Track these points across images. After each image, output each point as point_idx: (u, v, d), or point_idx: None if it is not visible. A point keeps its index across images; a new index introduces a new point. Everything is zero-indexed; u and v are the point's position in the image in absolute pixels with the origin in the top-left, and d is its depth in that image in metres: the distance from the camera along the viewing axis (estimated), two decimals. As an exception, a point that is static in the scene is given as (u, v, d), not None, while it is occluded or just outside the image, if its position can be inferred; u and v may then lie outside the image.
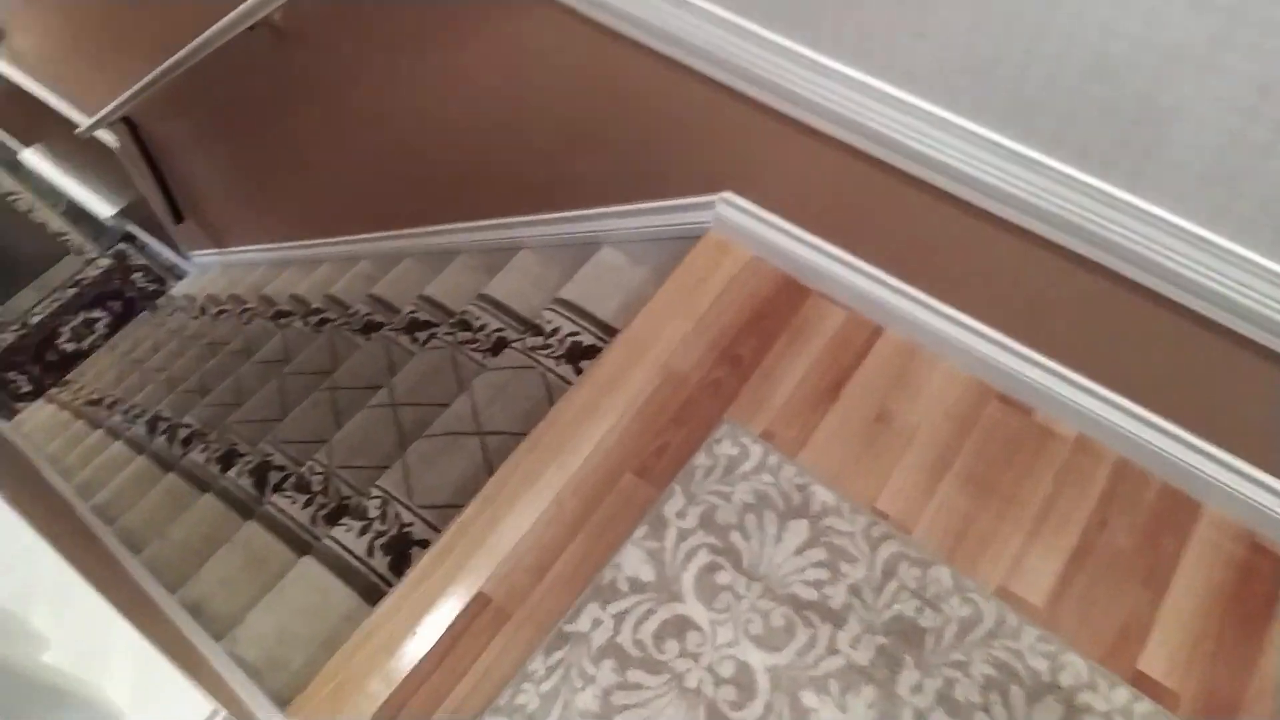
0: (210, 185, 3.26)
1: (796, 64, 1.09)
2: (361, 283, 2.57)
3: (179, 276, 4.23)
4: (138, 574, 1.56)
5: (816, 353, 1.40)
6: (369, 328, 2.28)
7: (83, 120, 3.46)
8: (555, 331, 1.66)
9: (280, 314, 2.74)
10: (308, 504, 1.65)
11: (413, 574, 1.21)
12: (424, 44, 1.71)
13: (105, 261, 4.29)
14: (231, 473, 1.90)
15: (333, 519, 1.62)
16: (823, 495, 1.26)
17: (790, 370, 1.39)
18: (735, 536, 1.24)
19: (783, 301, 1.45)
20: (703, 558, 1.22)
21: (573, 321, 1.66)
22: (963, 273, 1.25)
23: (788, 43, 1.08)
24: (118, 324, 4.05)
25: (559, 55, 1.45)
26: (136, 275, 4.24)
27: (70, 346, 4.00)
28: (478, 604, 1.20)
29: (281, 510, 1.65)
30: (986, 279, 1.23)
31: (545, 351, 1.63)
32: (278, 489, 1.81)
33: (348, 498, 1.65)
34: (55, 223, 4.44)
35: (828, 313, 1.44)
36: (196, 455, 2.10)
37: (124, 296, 4.16)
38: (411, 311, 2.11)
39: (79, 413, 3.20)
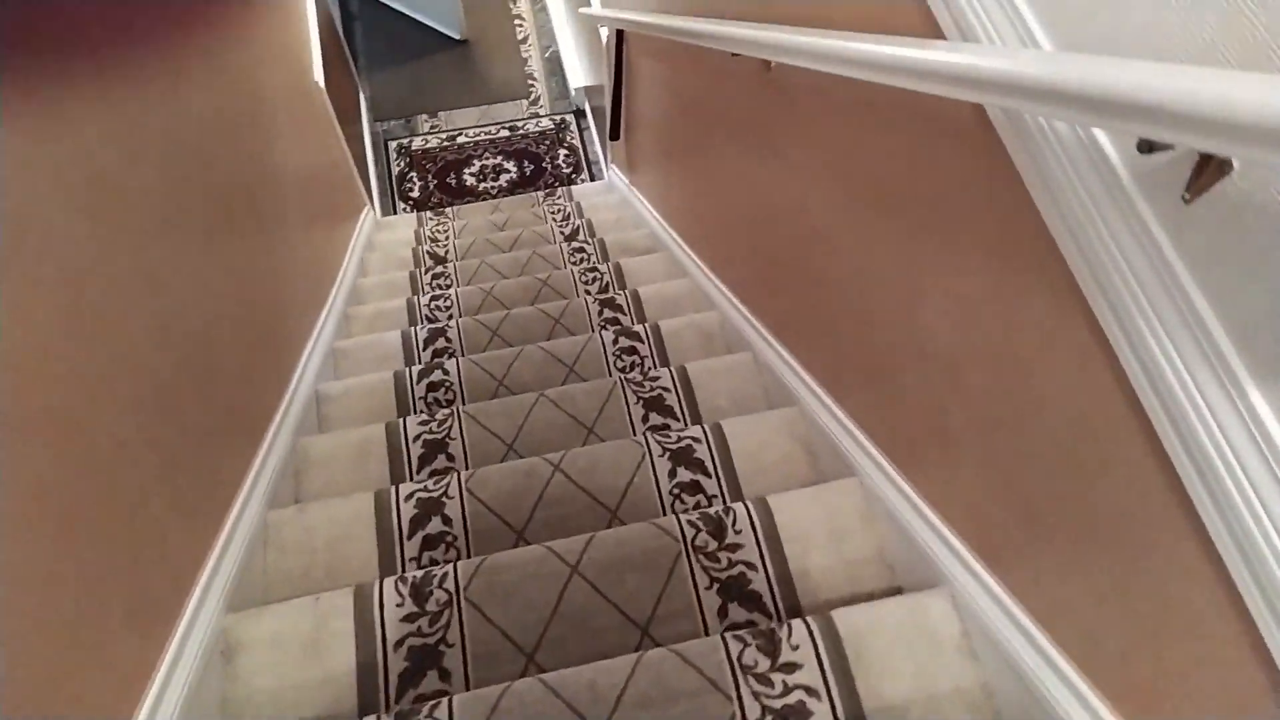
0: (646, 126, 2.99)
1: None
2: (694, 339, 2.16)
3: (593, 178, 4.12)
4: (219, 566, 1.31)
5: None
6: (651, 407, 1.87)
7: (596, 5, 3.34)
8: (793, 666, 1.11)
9: (609, 305, 2.42)
10: (409, 619, 1.30)
11: None
12: (886, 238, 1.17)
13: (547, 124, 4.28)
14: (408, 487, 1.60)
15: (405, 679, 1.25)
16: None
17: None
18: None
19: None
20: None
21: (823, 672, 1.11)
22: None
23: None
24: (518, 186, 4.03)
25: (1050, 381, 0.86)
26: (562, 152, 4.19)
27: (470, 181, 4.05)
28: None
29: (383, 604, 1.31)
30: None
31: (762, 685, 1.10)
32: (419, 554, 1.49)
33: (448, 647, 1.27)
34: (534, 64, 4.50)
35: None
36: (415, 424, 1.84)
37: (539, 165, 4.13)
38: (694, 439, 1.65)
39: (417, 259, 3.18)
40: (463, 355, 2.28)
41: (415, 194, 4.00)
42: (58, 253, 0.97)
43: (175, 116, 1.45)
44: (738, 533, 1.39)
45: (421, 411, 2.03)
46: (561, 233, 3.25)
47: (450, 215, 3.73)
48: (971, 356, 1.03)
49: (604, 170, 4.03)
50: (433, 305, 2.60)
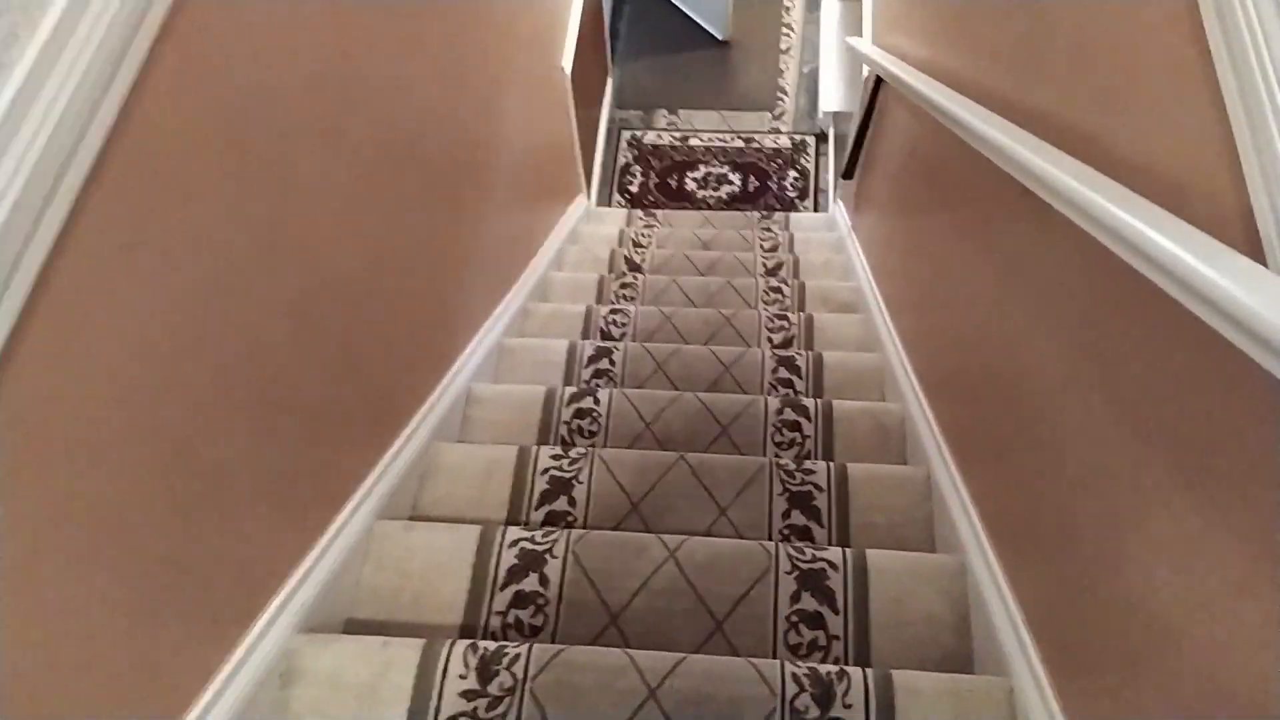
0: (882, 176, 2.74)
1: None
2: (868, 432, 1.94)
3: (817, 207, 3.90)
4: (304, 582, 1.26)
5: None
6: (797, 504, 1.68)
7: (866, 39, 3.11)
8: None
9: (787, 365, 2.23)
10: (467, 696, 1.20)
11: None
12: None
13: (785, 142, 4.09)
14: (515, 533, 1.51)
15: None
16: None
17: None
18: None
19: None
20: None
21: None
22: None
23: None
24: (737, 200, 3.88)
25: None
26: (792, 174, 3.98)
27: (691, 187, 3.94)
28: None
29: (447, 671, 1.23)
30: None
31: None
32: (507, 610, 1.40)
33: (492, 745, 1.17)
34: (789, 78, 4.31)
35: None
36: (547, 455, 1.75)
37: (765, 183, 3.95)
38: (830, 565, 1.46)
39: (612, 262, 3.10)
40: (619, 385, 2.17)
41: (634, 188, 3.94)
42: (180, 201, 0.91)
43: (379, 68, 1.37)
44: (847, 706, 1.19)
45: (562, 438, 1.94)
46: (764, 264, 3.07)
47: (659, 220, 3.63)
48: (1184, 620, 0.79)
49: (829, 203, 3.80)
50: (609, 319, 2.51)
